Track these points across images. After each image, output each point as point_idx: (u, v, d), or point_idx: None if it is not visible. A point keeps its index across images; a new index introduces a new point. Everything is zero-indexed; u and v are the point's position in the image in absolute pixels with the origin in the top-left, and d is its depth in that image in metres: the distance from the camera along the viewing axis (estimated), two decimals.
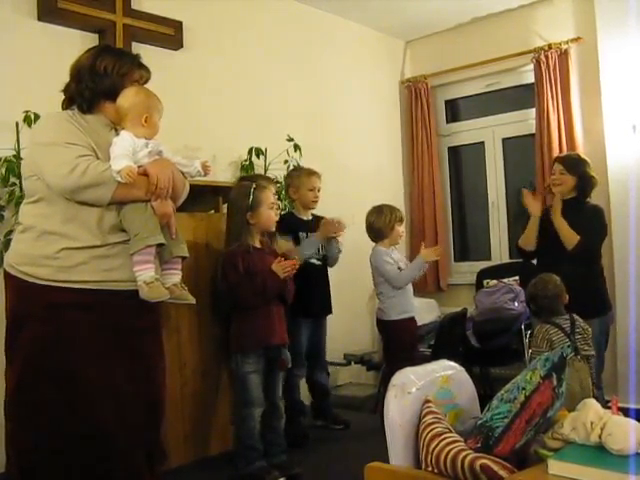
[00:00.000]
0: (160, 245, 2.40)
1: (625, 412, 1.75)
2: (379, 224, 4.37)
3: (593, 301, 3.92)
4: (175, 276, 2.54)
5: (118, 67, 2.53)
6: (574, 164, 4.04)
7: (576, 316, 3.54)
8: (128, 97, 2.47)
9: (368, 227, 4.42)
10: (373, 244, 4.45)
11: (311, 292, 4.17)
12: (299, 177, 4.35)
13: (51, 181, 2.33)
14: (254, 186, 3.60)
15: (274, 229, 3.70)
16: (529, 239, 4.09)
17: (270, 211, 3.61)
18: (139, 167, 2.40)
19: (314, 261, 4.24)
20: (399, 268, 4.31)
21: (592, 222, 3.97)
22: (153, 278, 2.36)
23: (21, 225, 2.46)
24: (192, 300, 2.56)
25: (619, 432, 1.65)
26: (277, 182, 4.45)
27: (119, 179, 2.32)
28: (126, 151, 2.36)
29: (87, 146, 2.36)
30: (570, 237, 3.88)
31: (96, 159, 2.35)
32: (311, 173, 4.37)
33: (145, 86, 2.57)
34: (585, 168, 4.04)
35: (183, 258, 2.58)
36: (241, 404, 3.55)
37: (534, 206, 4.03)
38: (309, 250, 4.14)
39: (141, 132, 2.44)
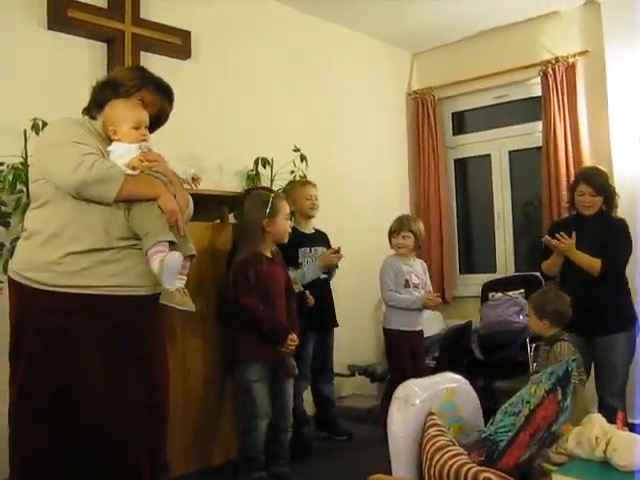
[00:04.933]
0: (171, 243, 2.40)
1: (631, 427, 1.74)
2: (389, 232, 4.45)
3: (620, 315, 3.90)
4: (180, 281, 2.53)
5: (128, 80, 2.58)
6: (603, 185, 3.96)
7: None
8: (101, 117, 2.51)
9: None
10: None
11: (318, 305, 4.17)
12: (294, 189, 4.38)
13: (58, 179, 2.34)
14: (273, 195, 3.65)
15: (286, 240, 3.71)
16: (554, 268, 4.05)
17: (285, 222, 3.65)
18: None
19: (323, 275, 4.23)
20: (406, 280, 4.32)
21: (617, 239, 3.91)
22: (182, 285, 2.37)
23: (26, 231, 2.47)
24: (192, 308, 2.52)
25: (624, 448, 1.64)
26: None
27: (129, 172, 2.36)
28: (126, 151, 2.40)
29: (94, 147, 2.38)
30: (592, 265, 3.82)
31: (102, 157, 2.37)
32: (305, 182, 4.41)
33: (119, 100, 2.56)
34: (609, 183, 4.00)
35: (191, 258, 2.58)
36: (246, 415, 3.53)
37: (560, 247, 3.95)
38: (310, 276, 4.14)
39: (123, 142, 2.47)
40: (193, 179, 2.70)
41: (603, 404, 3.84)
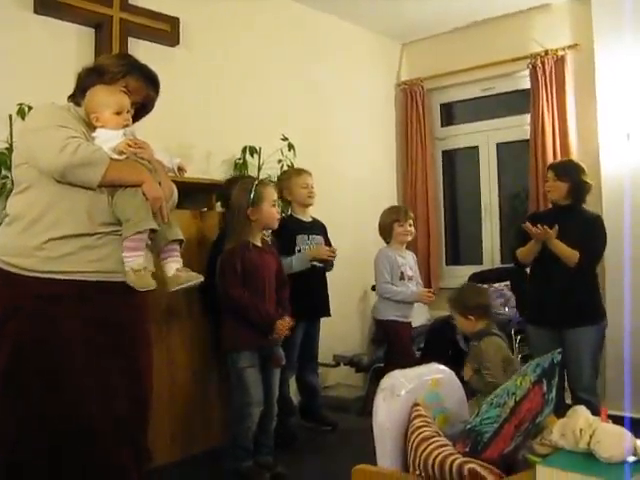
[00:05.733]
0: (153, 231, 2.39)
1: (619, 420, 1.75)
2: (380, 224, 4.55)
3: (587, 309, 3.94)
4: (176, 262, 2.53)
5: (113, 66, 2.56)
6: (566, 171, 4.02)
7: None
8: (84, 104, 2.50)
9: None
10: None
11: (311, 293, 4.18)
12: (290, 178, 4.36)
13: (42, 162, 2.32)
14: (256, 182, 3.62)
15: (276, 226, 3.70)
16: (529, 257, 4.06)
17: (272, 208, 3.62)
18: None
19: (315, 263, 4.22)
20: (402, 272, 4.37)
21: (590, 234, 3.94)
22: (141, 266, 2.34)
23: (8, 217, 2.45)
24: (201, 278, 2.54)
25: (608, 440, 1.65)
26: (271, 181, 4.45)
27: (115, 156, 2.34)
28: (111, 136, 2.39)
29: (79, 131, 2.37)
30: (569, 256, 3.84)
31: (87, 141, 2.35)
32: (301, 171, 4.40)
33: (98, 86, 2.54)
34: (578, 174, 4.01)
35: (180, 243, 2.57)
36: (240, 403, 3.51)
37: (539, 234, 3.96)
38: (298, 266, 4.11)
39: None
40: (179, 168, 2.69)
41: (575, 398, 3.85)
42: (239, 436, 3.49)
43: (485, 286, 3.48)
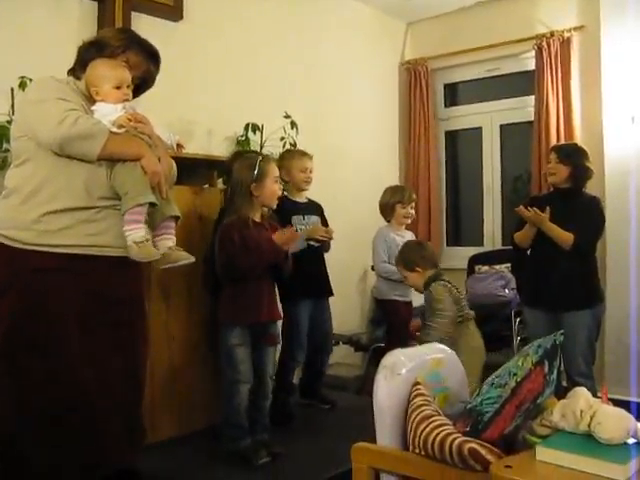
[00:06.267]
0: (152, 205, 2.38)
1: (618, 404, 1.75)
2: (380, 203, 4.57)
3: (585, 292, 3.93)
4: (169, 240, 2.53)
5: (114, 40, 2.56)
6: (569, 154, 4.01)
7: None
8: (84, 77, 2.49)
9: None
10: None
11: (310, 272, 4.14)
12: (291, 159, 4.32)
13: (41, 134, 2.31)
14: (260, 158, 3.57)
15: (275, 205, 3.66)
16: (526, 240, 4.06)
17: (275, 185, 3.57)
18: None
19: (311, 242, 4.20)
20: None
21: (587, 216, 3.93)
22: (143, 238, 2.35)
23: (6, 189, 2.44)
24: (191, 258, 2.55)
25: (608, 421, 1.65)
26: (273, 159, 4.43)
27: (114, 130, 2.34)
28: (110, 110, 2.40)
29: (78, 105, 2.36)
30: (564, 239, 3.85)
31: (86, 114, 2.35)
32: (302, 154, 4.35)
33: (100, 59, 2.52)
34: (581, 158, 4.00)
35: (176, 220, 2.56)
36: (228, 380, 3.50)
37: (531, 217, 3.95)
38: (295, 246, 4.08)
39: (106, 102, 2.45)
40: (178, 145, 2.68)
41: (571, 381, 3.85)
42: (231, 415, 3.46)
43: (426, 242, 3.73)
